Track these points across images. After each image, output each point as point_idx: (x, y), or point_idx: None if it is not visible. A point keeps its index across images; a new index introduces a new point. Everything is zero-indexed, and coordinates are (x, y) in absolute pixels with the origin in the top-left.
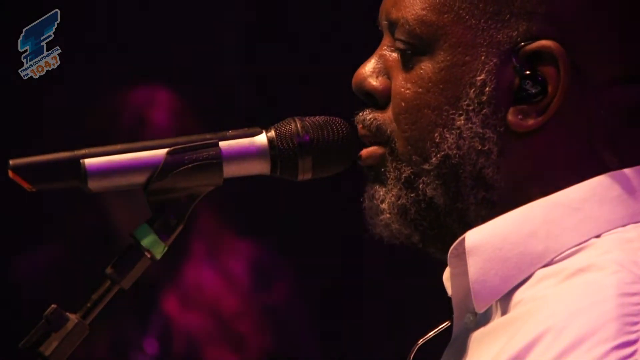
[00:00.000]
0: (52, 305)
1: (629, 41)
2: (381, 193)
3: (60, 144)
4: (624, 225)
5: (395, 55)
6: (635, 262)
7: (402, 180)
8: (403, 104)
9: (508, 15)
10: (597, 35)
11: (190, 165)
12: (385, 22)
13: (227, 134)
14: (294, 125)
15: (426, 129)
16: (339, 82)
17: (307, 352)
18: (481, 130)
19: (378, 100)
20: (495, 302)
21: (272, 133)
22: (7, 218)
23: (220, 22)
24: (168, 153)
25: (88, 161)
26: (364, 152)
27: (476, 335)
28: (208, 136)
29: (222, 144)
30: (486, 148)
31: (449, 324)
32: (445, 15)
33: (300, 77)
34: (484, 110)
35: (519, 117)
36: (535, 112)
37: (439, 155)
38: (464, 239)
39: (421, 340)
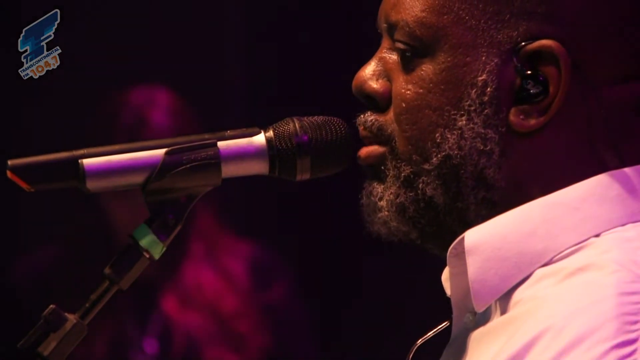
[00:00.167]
0: (51, 306)
1: (629, 40)
2: (379, 190)
3: (59, 144)
4: (623, 225)
5: (395, 57)
6: (635, 261)
7: (402, 179)
8: (404, 105)
9: (508, 15)
10: (597, 34)
11: (188, 166)
12: (385, 25)
13: (226, 134)
14: (293, 125)
15: (427, 129)
16: (338, 83)
17: (306, 352)
18: (483, 131)
19: (379, 102)
20: (495, 301)
21: (270, 133)
22: (7, 218)
23: (220, 22)
24: (166, 153)
25: (86, 161)
26: (363, 150)
27: (475, 335)
28: (206, 136)
29: (221, 144)
30: (488, 148)
31: (448, 323)
32: (445, 17)
33: (300, 77)
34: (486, 111)
35: (521, 117)
36: (537, 112)
37: (439, 156)
38: (463, 238)
39: (420, 340)
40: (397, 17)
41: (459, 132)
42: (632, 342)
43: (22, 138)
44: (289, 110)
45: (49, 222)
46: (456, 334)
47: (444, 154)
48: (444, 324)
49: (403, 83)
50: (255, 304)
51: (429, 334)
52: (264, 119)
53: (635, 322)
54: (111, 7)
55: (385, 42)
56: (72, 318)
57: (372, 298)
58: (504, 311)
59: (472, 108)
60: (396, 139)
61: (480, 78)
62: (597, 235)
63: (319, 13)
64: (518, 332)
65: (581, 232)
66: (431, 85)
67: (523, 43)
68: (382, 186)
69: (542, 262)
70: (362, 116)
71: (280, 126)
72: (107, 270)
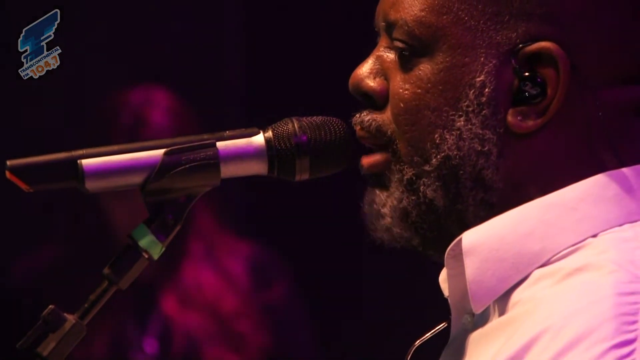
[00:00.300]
0: (50, 306)
1: (628, 42)
2: (382, 198)
3: (58, 144)
4: (620, 225)
5: (392, 56)
6: (632, 261)
7: (405, 182)
8: (402, 105)
9: (507, 17)
10: (596, 36)
11: (187, 166)
12: (383, 23)
13: (225, 134)
14: (292, 125)
15: (426, 130)
16: (337, 83)
17: (306, 352)
18: (481, 132)
19: (376, 101)
20: (493, 302)
21: (269, 133)
22: (7, 218)
23: (219, 21)
24: (165, 153)
25: (85, 162)
26: (365, 160)
27: (474, 336)
28: (205, 136)
29: (220, 144)
30: (486, 149)
31: (446, 325)
32: (445, 17)
33: (300, 77)
34: (484, 112)
35: (519, 118)
36: (535, 114)
37: (439, 156)
38: (460, 239)
39: (418, 341)
40: (396, 16)
41: (458, 132)
42: (630, 342)
43: (21, 138)
44: (288, 111)
45: (49, 222)
46: (454, 335)
47: (443, 154)
48: (442, 325)
49: (401, 82)
50: (255, 304)
51: (427, 335)
52: (263, 119)
53: (634, 322)
54: (111, 7)
55: (383, 41)
56: (71, 318)
57: (372, 298)
58: (502, 312)
59: (470, 109)
60: (397, 141)
61: (478, 79)
62: (595, 236)
63: (319, 13)
64: (516, 333)
65: (578, 232)
66: (429, 85)
67: (522, 44)
68: (385, 193)
69: (540, 263)
70: (358, 115)
71: (279, 126)
72: (106, 271)
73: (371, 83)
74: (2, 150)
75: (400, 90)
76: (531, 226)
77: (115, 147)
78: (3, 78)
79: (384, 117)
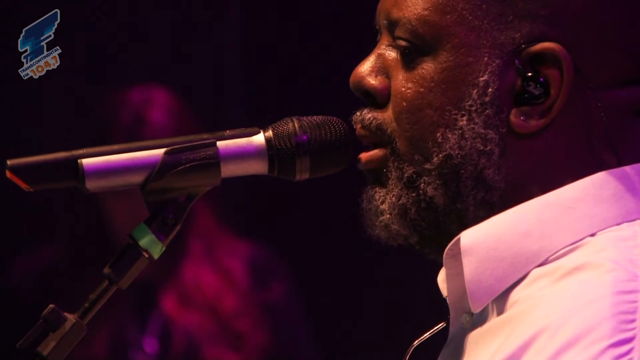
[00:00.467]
0: (50, 305)
1: (630, 44)
2: (381, 194)
3: (58, 144)
4: (618, 224)
5: (394, 54)
6: (631, 260)
7: (404, 180)
8: (404, 104)
9: (511, 17)
10: (599, 37)
11: (187, 165)
12: (385, 22)
13: (225, 133)
14: (292, 124)
15: (428, 129)
16: (337, 83)
17: (305, 351)
18: (483, 131)
19: (377, 99)
20: (491, 302)
21: (269, 133)
22: (6, 218)
23: (219, 21)
24: (165, 153)
25: (85, 161)
26: (364, 155)
27: (473, 336)
28: (205, 136)
29: (220, 143)
30: (488, 149)
31: (444, 324)
32: (448, 16)
33: (299, 76)
34: (487, 111)
35: (522, 118)
36: (538, 114)
37: (440, 155)
38: (459, 239)
39: (417, 341)
40: (399, 14)
41: (460, 132)
42: (628, 340)
43: (21, 138)
44: (288, 110)
45: (49, 222)
46: (453, 334)
47: (444, 153)
48: (440, 325)
49: (403, 81)
50: (254, 303)
51: (425, 334)
52: (263, 118)
53: (632, 321)
54: (111, 7)
55: (385, 39)
56: (71, 318)
57: (371, 298)
58: (500, 312)
59: (473, 108)
60: (397, 139)
61: (481, 78)
62: (593, 235)
63: (318, 13)
64: (515, 332)
65: (577, 231)
66: (432, 84)
67: (525, 45)
68: (384, 190)
69: (538, 262)
70: (358, 114)
71: (279, 126)
72: (106, 270)
73: (372, 81)
74: (2, 150)
75: (403, 89)
76: (529, 225)
77: (115, 147)
78: (3, 78)
79: (385, 116)
